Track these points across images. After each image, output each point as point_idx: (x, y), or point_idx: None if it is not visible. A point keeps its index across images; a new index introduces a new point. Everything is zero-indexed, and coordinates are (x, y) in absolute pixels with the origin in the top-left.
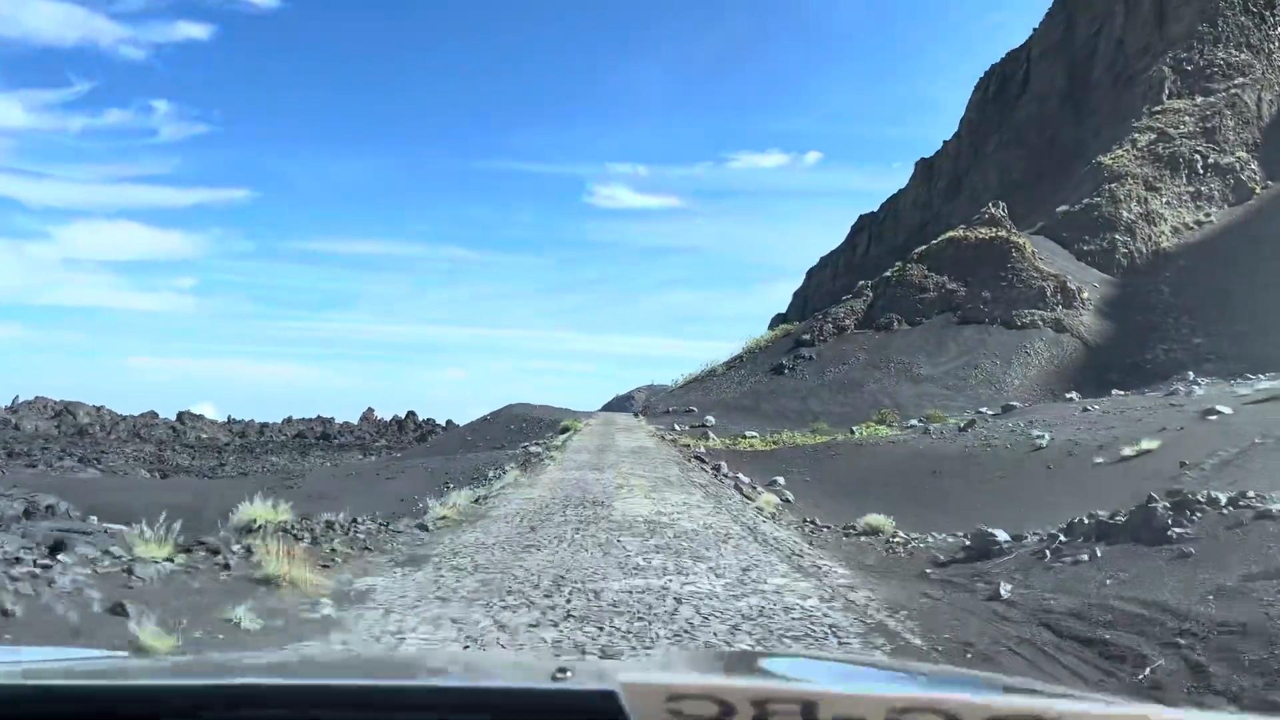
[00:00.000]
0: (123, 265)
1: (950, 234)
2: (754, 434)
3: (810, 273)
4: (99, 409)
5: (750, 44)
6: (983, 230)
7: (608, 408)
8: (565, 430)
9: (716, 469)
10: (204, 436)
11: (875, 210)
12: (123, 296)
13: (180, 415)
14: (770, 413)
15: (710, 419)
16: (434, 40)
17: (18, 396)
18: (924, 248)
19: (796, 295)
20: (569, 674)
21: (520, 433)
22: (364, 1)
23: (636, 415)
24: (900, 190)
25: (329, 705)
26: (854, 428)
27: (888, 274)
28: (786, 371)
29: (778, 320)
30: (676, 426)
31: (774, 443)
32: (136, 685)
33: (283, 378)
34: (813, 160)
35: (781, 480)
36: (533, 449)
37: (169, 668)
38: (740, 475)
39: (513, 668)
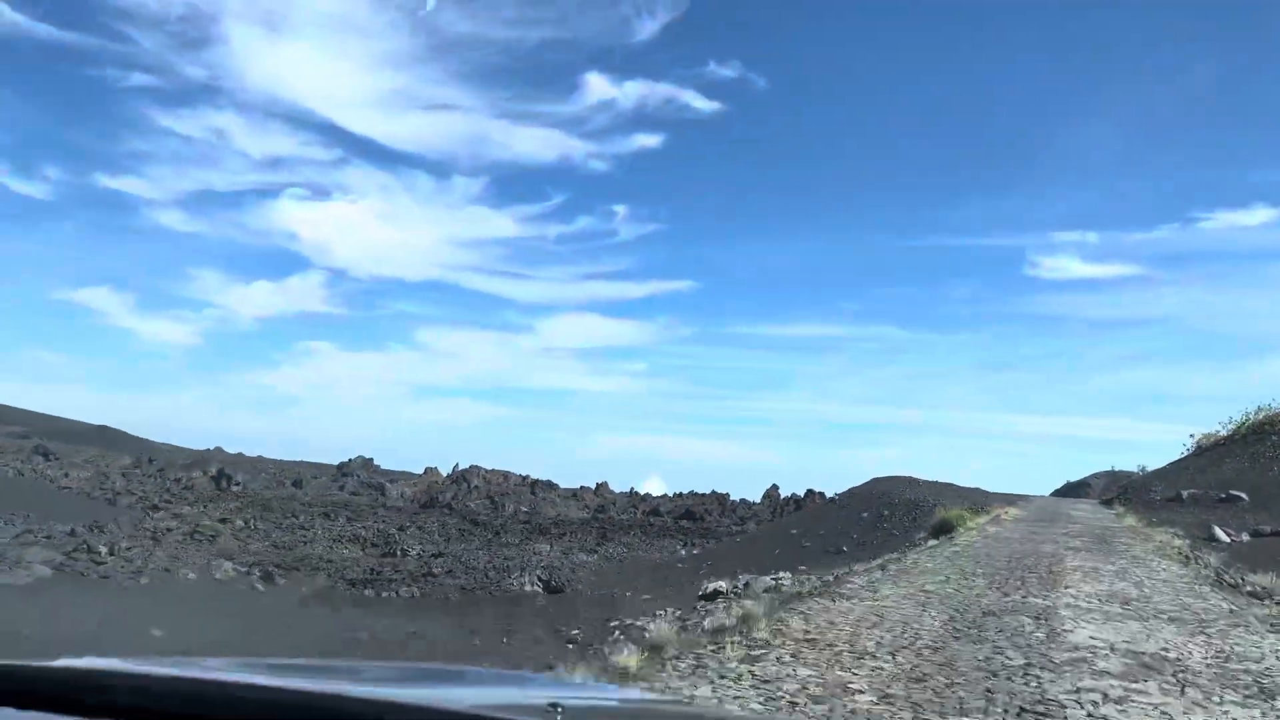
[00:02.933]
0: (586, 352)
1: None
2: None
3: None
4: (525, 479)
5: (1226, 86)
6: None
7: (1058, 494)
8: (944, 530)
9: None
10: (519, 510)
11: None
12: (587, 380)
13: (534, 483)
14: None
15: None
16: (863, 124)
17: (457, 465)
18: None
19: None
20: None
21: (870, 526)
22: (796, 96)
23: (1111, 504)
24: None
25: None
26: None
27: None
28: None
29: None
30: (1225, 534)
31: None
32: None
33: (721, 454)
34: None
35: None
36: (785, 585)
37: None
38: None
39: None
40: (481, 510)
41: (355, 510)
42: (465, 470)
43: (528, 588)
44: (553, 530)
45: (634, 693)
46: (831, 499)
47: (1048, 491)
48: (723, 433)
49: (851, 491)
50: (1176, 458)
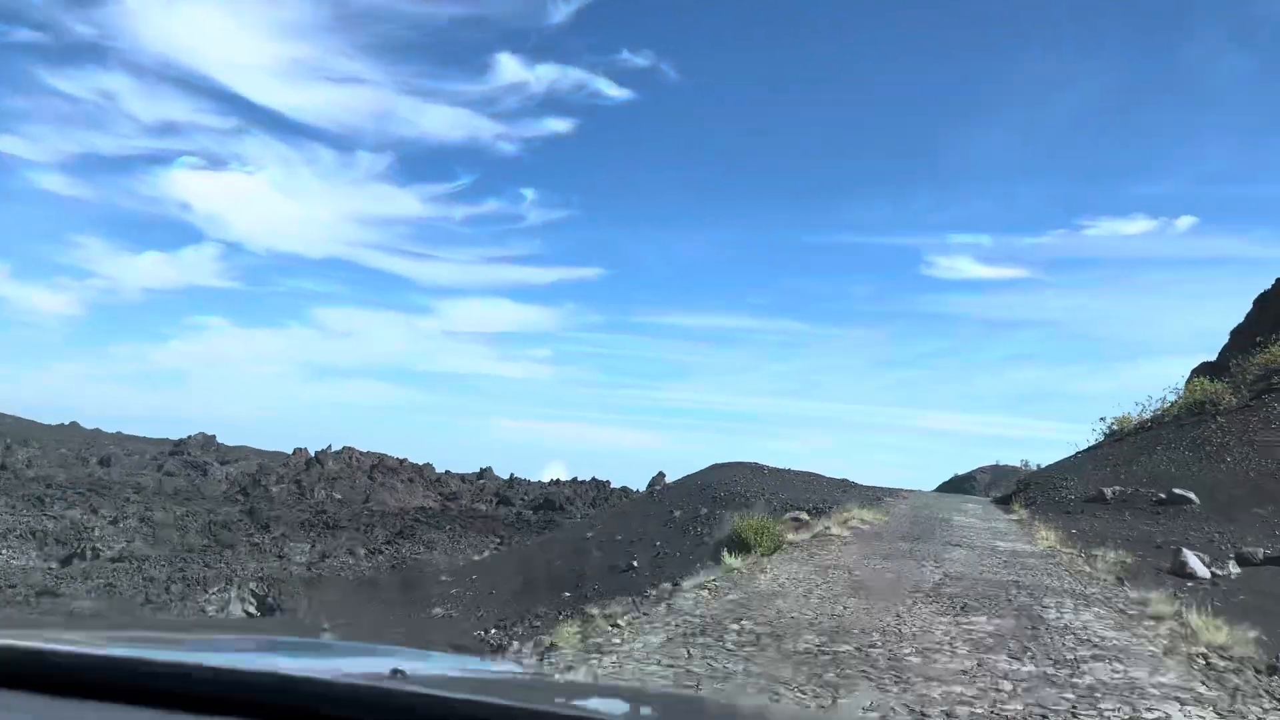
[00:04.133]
0: (491, 337)
1: None
2: None
3: (1263, 300)
4: (401, 462)
5: (1112, 103)
6: None
7: (943, 489)
8: (740, 548)
9: None
10: (331, 496)
11: None
12: (491, 365)
13: (373, 467)
14: None
15: None
16: (771, 121)
17: (329, 446)
18: None
19: (1238, 334)
20: None
21: (681, 529)
22: (706, 89)
23: (1009, 505)
24: None
25: None
26: None
27: None
28: None
29: (1202, 370)
30: (1199, 562)
31: None
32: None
33: (626, 442)
34: (1185, 226)
35: None
36: None
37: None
38: None
39: None
40: (283, 496)
41: (107, 492)
42: (337, 452)
43: (230, 608)
44: (345, 524)
45: (475, 661)
46: (652, 490)
47: (934, 485)
48: (628, 421)
49: (679, 482)
50: (1086, 446)
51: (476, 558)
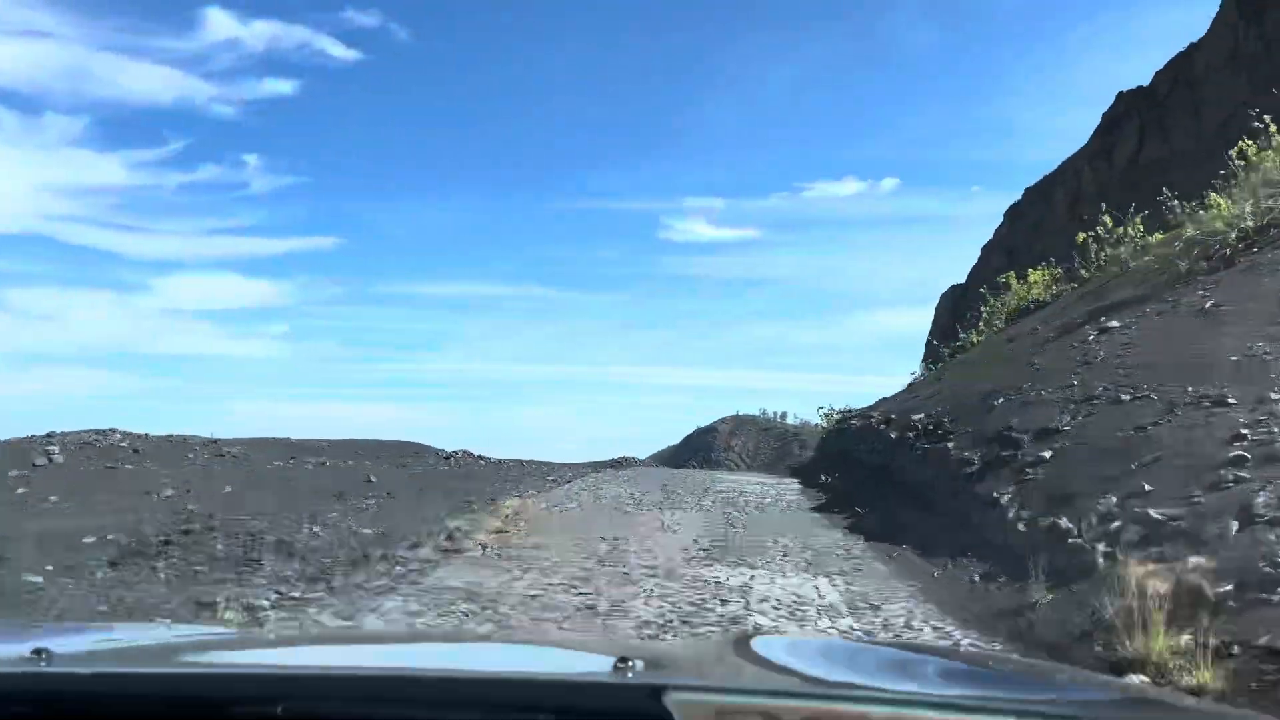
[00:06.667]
0: (218, 314)
1: None
2: None
3: (1014, 211)
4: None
5: (824, 73)
6: None
7: (686, 443)
8: None
9: None
10: None
11: (1149, 85)
12: (220, 344)
13: None
14: None
15: None
16: (509, 87)
17: None
18: None
19: (990, 248)
20: (630, 665)
21: None
22: (440, 52)
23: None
24: (1200, 42)
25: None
26: None
27: None
28: None
29: (954, 293)
30: None
31: None
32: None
33: (380, 419)
34: (890, 186)
35: None
36: None
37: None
38: None
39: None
40: None
41: None
42: None
43: None
44: None
45: (126, 631)
46: None
47: (678, 439)
48: (383, 395)
49: None
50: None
51: None
